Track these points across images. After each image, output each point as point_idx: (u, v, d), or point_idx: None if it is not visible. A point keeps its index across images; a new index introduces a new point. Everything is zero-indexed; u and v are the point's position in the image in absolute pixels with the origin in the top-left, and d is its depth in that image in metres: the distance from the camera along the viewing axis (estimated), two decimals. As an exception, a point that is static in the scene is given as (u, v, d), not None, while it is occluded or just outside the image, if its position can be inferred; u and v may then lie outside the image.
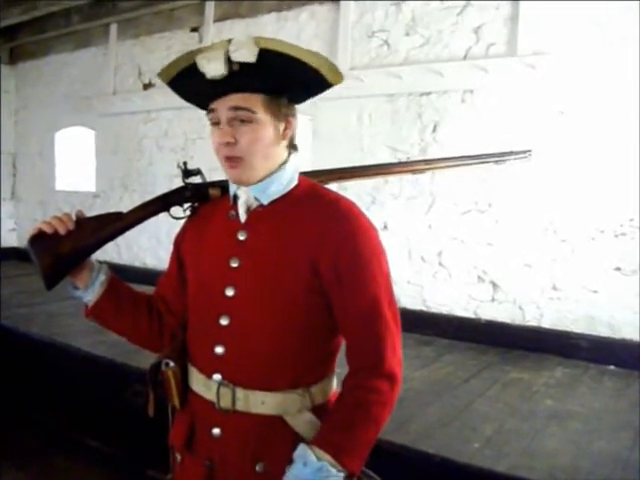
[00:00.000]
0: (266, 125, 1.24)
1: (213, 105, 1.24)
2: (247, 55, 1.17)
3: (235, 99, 1.21)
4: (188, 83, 1.26)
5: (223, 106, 1.22)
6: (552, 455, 2.45)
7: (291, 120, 1.29)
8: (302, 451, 1.21)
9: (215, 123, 1.25)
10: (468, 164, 1.69)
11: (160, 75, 1.25)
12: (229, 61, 1.17)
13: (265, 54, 1.17)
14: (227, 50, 1.17)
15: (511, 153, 1.67)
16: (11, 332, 4.25)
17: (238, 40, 1.18)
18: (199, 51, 1.21)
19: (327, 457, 1.18)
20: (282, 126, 1.28)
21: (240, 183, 1.28)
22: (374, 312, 1.25)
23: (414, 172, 1.63)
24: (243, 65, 1.18)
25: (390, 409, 1.26)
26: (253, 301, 1.28)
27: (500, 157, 1.68)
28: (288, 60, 1.19)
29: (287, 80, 1.24)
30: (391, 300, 1.28)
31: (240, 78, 1.19)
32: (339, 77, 1.24)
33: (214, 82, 1.20)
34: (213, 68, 1.18)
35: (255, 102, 1.22)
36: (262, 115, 1.23)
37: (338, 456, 1.18)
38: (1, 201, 7.39)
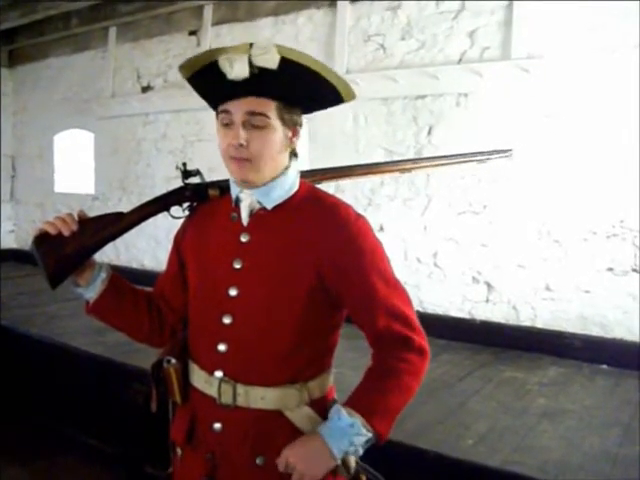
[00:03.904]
0: (277, 131, 1.28)
1: (227, 107, 1.26)
2: (269, 61, 1.21)
3: (252, 103, 1.25)
4: (206, 81, 1.29)
5: (239, 109, 1.25)
6: (544, 451, 2.50)
7: (298, 129, 1.34)
8: (336, 409, 1.26)
9: (226, 124, 1.28)
10: (452, 163, 1.73)
11: (181, 70, 1.28)
12: (251, 64, 1.21)
13: (286, 63, 1.21)
14: (250, 54, 1.21)
15: (493, 152, 1.72)
16: (11, 332, 4.29)
17: (260, 45, 1.21)
18: (220, 51, 1.23)
19: (359, 416, 1.23)
20: (290, 133, 1.32)
21: (245, 182, 1.31)
22: (388, 301, 1.29)
23: (401, 171, 1.68)
24: (263, 70, 1.22)
25: (419, 381, 1.30)
26: (256, 301, 1.32)
27: (483, 156, 1.73)
28: (307, 72, 1.24)
29: (302, 91, 1.29)
30: (400, 288, 1.33)
31: (259, 82, 1.23)
32: (352, 95, 1.30)
33: (233, 83, 1.23)
34: (236, 70, 1.21)
35: (269, 108, 1.26)
36: (274, 121, 1.27)
37: (369, 417, 1.23)
38: (0, 203, 7.42)
